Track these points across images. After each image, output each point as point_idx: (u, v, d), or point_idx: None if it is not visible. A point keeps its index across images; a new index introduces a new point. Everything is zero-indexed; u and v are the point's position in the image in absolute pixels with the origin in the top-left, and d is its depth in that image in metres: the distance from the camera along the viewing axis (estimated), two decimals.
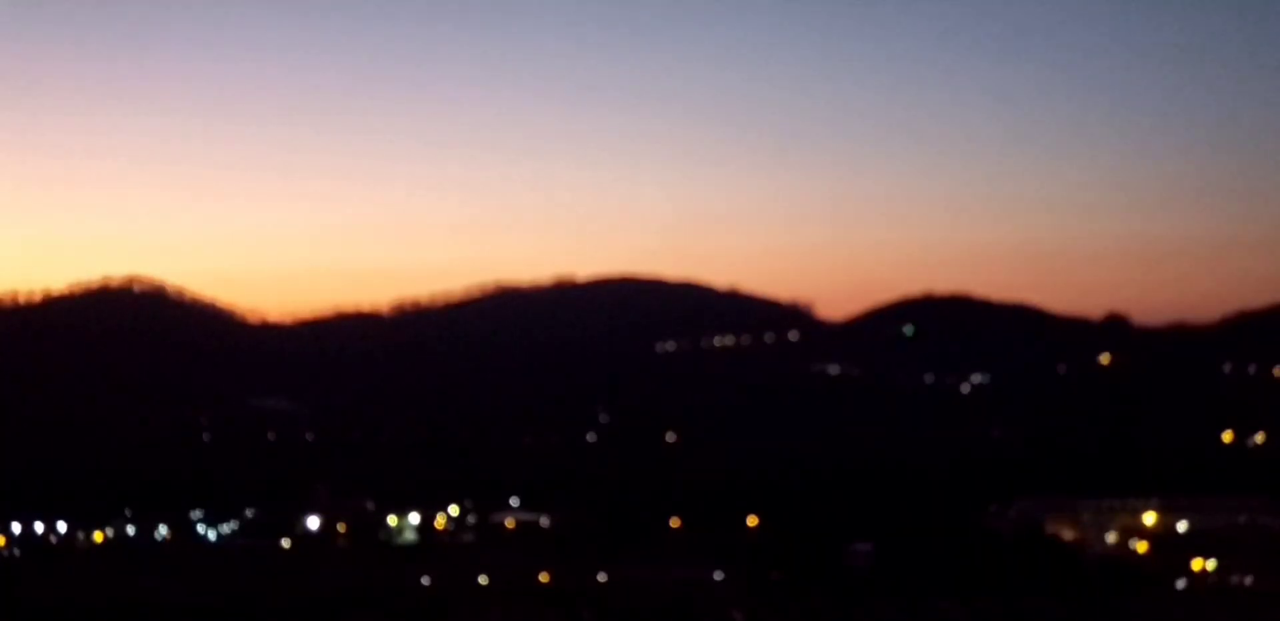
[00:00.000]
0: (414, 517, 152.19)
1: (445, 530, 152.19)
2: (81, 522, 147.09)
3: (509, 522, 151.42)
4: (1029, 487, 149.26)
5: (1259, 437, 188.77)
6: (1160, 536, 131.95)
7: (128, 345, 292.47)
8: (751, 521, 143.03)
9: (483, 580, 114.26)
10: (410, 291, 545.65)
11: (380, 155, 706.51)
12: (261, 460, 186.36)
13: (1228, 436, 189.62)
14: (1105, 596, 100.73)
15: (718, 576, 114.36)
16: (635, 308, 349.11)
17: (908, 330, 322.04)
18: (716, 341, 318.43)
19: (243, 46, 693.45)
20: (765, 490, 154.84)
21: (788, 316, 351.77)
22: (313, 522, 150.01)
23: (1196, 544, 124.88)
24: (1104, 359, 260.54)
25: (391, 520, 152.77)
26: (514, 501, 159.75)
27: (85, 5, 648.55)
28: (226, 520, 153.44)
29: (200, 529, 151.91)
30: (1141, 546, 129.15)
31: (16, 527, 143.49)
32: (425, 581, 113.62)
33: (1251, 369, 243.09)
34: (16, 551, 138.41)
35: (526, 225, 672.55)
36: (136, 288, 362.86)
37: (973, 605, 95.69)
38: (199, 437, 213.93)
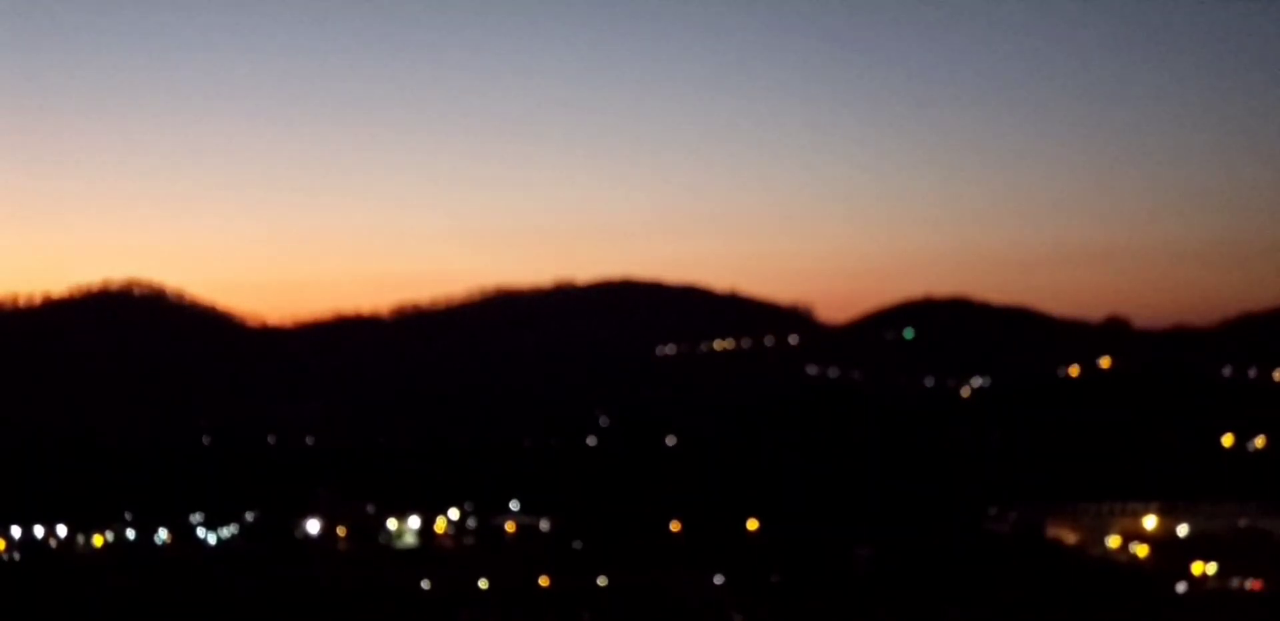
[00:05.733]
0: (414, 521, 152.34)
1: (446, 533, 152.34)
2: (82, 526, 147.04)
3: (509, 526, 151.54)
4: (1029, 491, 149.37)
5: (1259, 441, 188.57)
6: (1160, 540, 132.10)
7: (127, 348, 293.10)
8: (751, 525, 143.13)
9: (483, 584, 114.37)
10: (411, 295, 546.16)
11: (380, 159, 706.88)
12: (262, 464, 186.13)
13: (1228, 440, 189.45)
14: (1106, 600, 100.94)
15: (718, 580, 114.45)
16: (635, 311, 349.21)
17: (907, 333, 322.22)
18: (716, 345, 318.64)
19: (242, 52, 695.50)
20: (765, 493, 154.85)
21: (788, 319, 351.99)
22: (313, 526, 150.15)
23: (1197, 547, 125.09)
24: (1104, 362, 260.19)
25: (392, 523, 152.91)
26: (514, 505, 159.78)
27: (87, 11, 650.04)
28: (227, 524, 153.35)
29: (200, 532, 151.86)
30: (1142, 550, 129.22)
31: (16, 531, 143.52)
32: (425, 585, 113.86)
33: (1252, 372, 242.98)
34: (16, 555, 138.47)
35: (526, 229, 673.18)
36: (136, 291, 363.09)
37: (973, 608, 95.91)
38: (199, 440, 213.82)
